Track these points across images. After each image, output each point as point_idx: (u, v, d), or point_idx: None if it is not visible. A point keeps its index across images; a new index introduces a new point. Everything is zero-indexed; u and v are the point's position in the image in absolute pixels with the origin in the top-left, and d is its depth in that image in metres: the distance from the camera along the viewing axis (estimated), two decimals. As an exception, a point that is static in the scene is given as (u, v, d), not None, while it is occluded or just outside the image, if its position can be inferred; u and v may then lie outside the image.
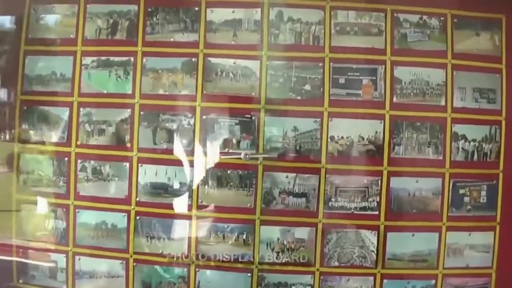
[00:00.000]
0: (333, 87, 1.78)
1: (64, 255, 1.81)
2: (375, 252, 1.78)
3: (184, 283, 1.78)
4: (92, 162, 1.80)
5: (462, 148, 1.80)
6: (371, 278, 1.79)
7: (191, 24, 1.80)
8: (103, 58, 1.81)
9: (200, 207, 1.77)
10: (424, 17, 1.82)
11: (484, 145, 1.81)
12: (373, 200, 1.78)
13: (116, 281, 1.80)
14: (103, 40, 1.82)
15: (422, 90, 1.80)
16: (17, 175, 1.84)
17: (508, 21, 1.84)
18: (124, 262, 1.79)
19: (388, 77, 1.79)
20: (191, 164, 1.77)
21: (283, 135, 1.76)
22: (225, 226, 1.77)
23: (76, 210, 1.80)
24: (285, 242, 1.77)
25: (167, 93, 1.79)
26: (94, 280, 1.81)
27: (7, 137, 1.85)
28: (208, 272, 1.78)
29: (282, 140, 1.76)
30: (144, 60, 1.79)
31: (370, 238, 1.78)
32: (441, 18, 1.82)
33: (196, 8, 1.80)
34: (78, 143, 1.80)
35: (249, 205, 1.76)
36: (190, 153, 1.77)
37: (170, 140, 1.78)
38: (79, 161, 1.80)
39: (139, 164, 1.78)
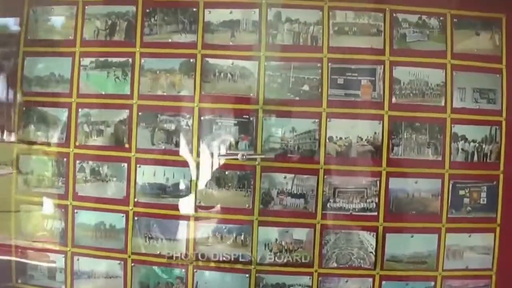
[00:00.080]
0: (331, 88, 1.78)
1: (63, 255, 1.82)
2: (374, 253, 1.77)
3: (182, 283, 1.78)
4: (90, 162, 1.81)
5: (462, 149, 1.79)
6: (370, 279, 1.78)
7: (189, 25, 1.80)
8: (102, 59, 1.81)
9: (198, 208, 1.77)
10: (424, 17, 1.82)
11: (484, 146, 1.79)
12: (372, 201, 1.77)
13: (115, 282, 1.80)
14: (102, 41, 1.82)
15: (421, 90, 1.79)
16: (16, 176, 1.85)
17: (508, 20, 1.82)
18: (122, 262, 1.80)
19: (387, 77, 1.78)
20: (189, 165, 1.77)
21: (281, 136, 1.76)
22: (223, 227, 1.77)
23: (75, 211, 1.81)
24: (283, 243, 1.77)
25: (165, 94, 1.79)
26: (92, 280, 1.82)
27: (9, 138, 1.86)
28: (206, 272, 1.78)
29: (281, 141, 1.76)
30: (142, 61, 1.80)
31: (369, 239, 1.77)
32: (441, 18, 1.81)
33: (194, 9, 1.80)
34: (77, 143, 1.81)
35: (247, 205, 1.76)
36: (188, 154, 1.77)
37: (168, 141, 1.78)
38: (77, 161, 1.81)
39: (137, 165, 1.78)
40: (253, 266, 1.76)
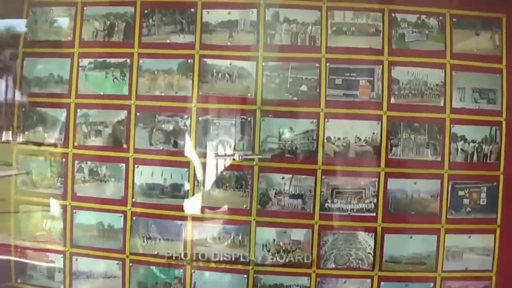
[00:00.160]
0: (329, 88, 1.77)
1: (62, 255, 1.83)
2: (372, 254, 1.76)
3: (180, 284, 1.78)
4: (89, 163, 1.81)
5: (462, 149, 1.78)
6: (368, 280, 1.78)
7: (187, 25, 1.80)
8: (100, 59, 1.82)
9: (196, 208, 1.77)
10: (423, 16, 1.81)
11: (484, 146, 1.78)
12: (370, 202, 1.76)
13: (113, 282, 1.81)
14: (100, 42, 1.83)
15: (420, 90, 1.78)
16: (15, 176, 1.86)
17: (508, 20, 1.81)
18: (121, 262, 1.80)
19: (386, 77, 1.77)
20: (187, 165, 1.77)
21: (279, 136, 1.76)
22: (221, 227, 1.77)
23: (74, 211, 1.82)
24: (281, 244, 1.76)
25: (163, 94, 1.79)
26: (91, 280, 1.82)
27: (8, 138, 1.87)
28: (204, 273, 1.78)
29: (278, 141, 1.76)
30: (141, 61, 1.80)
31: (367, 240, 1.76)
32: (440, 18, 1.81)
33: (192, 10, 1.80)
34: (75, 144, 1.82)
35: (245, 206, 1.76)
36: (186, 154, 1.77)
37: (166, 141, 1.78)
38: (76, 162, 1.82)
39: (135, 165, 1.79)
40: (251, 267, 1.76)
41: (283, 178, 1.76)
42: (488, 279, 1.80)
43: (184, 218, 1.78)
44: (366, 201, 1.76)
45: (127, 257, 1.80)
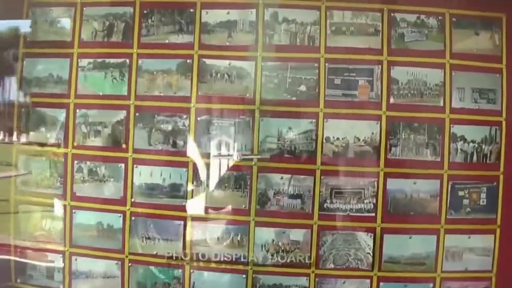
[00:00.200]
0: (328, 88, 1.77)
1: (61, 255, 1.83)
2: (371, 254, 1.75)
3: (179, 284, 1.79)
4: (88, 163, 1.81)
5: (461, 149, 1.77)
6: (368, 280, 1.77)
7: (186, 25, 1.80)
8: (99, 60, 1.82)
9: (195, 208, 1.77)
10: (422, 16, 1.80)
11: (483, 147, 1.77)
12: (370, 202, 1.76)
13: (112, 282, 1.81)
14: (99, 42, 1.83)
15: (420, 90, 1.78)
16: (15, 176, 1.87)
17: (508, 20, 1.80)
18: (120, 262, 1.80)
19: (385, 77, 1.77)
20: (186, 165, 1.77)
21: (278, 136, 1.76)
22: (220, 227, 1.77)
23: (73, 211, 1.82)
24: (280, 244, 1.76)
25: (162, 94, 1.79)
26: (90, 280, 1.83)
27: (8, 139, 1.88)
28: (203, 273, 1.78)
29: (277, 141, 1.76)
30: (140, 61, 1.80)
31: (366, 240, 1.76)
32: (439, 18, 1.80)
33: (191, 10, 1.80)
34: (75, 144, 1.82)
35: (243, 206, 1.76)
36: (185, 154, 1.77)
37: (165, 142, 1.78)
38: (75, 162, 1.82)
39: (134, 165, 1.79)
40: (250, 267, 1.76)
41: (282, 178, 1.76)
42: (488, 279, 1.79)
43: (183, 218, 1.78)
44: (365, 201, 1.76)
45: (126, 257, 1.80)
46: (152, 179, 1.78)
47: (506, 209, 1.77)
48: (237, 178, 1.76)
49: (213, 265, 1.76)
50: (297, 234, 1.76)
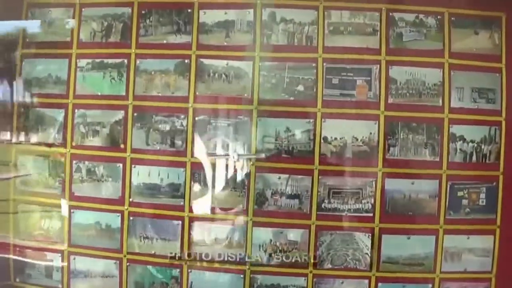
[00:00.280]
0: (326, 88, 1.77)
1: (59, 254, 1.84)
2: (370, 254, 1.75)
3: (177, 283, 1.79)
4: (86, 163, 1.82)
5: (460, 149, 1.76)
6: (366, 281, 1.77)
7: (184, 26, 1.80)
8: (98, 60, 1.83)
9: (192, 208, 1.78)
10: (421, 15, 1.79)
11: (483, 146, 1.76)
12: (368, 202, 1.75)
13: (111, 281, 1.82)
14: (98, 42, 1.84)
15: (418, 90, 1.77)
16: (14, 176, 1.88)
17: (508, 19, 1.79)
18: (118, 262, 1.81)
19: (383, 77, 1.76)
20: (184, 165, 1.77)
21: (276, 136, 1.75)
22: (218, 227, 1.77)
23: (71, 210, 1.83)
24: (277, 244, 1.76)
25: (160, 94, 1.80)
26: (89, 280, 1.83)
27: (7, 139, 1.89)
28: (200, 273, 1.78)
29: (275, 141, 1.76)
30: (138, 62, 1.81)
31: (364, 240, 1.75)
32: (438, 17, 1.79)
33: (189, 10, 1.81)
34: (73, 144, 1.83)
35: (241, 206, 1.76)
36: (183, 154, 1.78)
37: (163, 141, 1.79)
38: (74, 162, 1.83)
39: (133, 165, 1.79)
40: (247, 267, 1.76)
41: (279, 178, 1.75)
42: (487, 280, 1.78)
43: (181, 218, 1.78)
44: (363, 201, 1.75)
45: (124, 256, 1.80)
46: (150, 179, 1.79)
47: (506, 209, 1.76)
48: (235, 178, 1.76)
49: (211, 265, 1.76)
50: (295, 234, 1.76)
